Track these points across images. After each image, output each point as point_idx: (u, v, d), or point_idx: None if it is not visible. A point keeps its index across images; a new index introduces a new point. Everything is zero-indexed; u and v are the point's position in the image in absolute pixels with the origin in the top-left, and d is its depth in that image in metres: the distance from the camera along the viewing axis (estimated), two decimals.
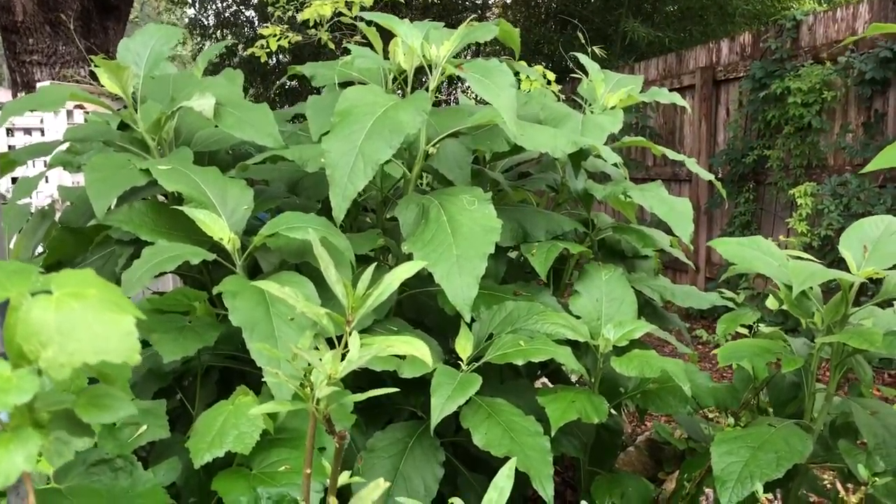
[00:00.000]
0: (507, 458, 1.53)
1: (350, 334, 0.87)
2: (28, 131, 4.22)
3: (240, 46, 10.55)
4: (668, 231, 2.30)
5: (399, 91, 1.96)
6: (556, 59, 9.40)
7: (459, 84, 10.28)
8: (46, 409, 0.51)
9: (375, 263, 1.04)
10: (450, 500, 0.85)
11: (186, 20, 13.71)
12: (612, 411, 2.22)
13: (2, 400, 0.43)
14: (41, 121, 3.78)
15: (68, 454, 0.50)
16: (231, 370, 1.88)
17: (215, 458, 1.29)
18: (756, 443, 1.60)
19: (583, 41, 3.63)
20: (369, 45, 2.14)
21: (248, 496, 1.25)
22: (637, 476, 2.04)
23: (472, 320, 1.81)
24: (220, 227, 1.57)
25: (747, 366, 1.94)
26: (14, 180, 3.63)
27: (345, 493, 0.99)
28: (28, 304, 0.46)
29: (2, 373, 0.45)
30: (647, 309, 2.19)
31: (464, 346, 1.74)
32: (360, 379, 1.71)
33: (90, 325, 0.45)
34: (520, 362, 1.64)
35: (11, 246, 2.16)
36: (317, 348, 0.89)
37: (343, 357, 0.84)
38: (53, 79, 4.96)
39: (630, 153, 7.68)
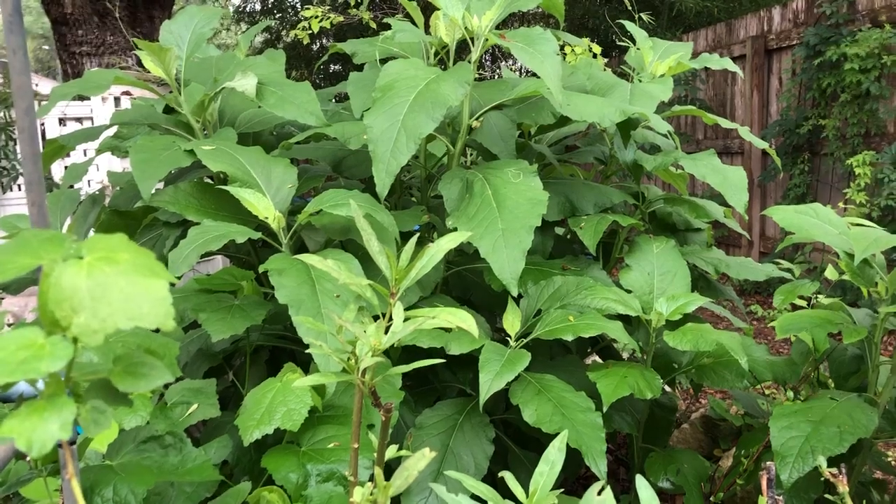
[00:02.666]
0: (557, 435, 1.51)
1: (394, 305, 0.85)
2: (80, 120, 4.31)
3: (283, 32, 10.61)
4: (722, 204, 2.23)
5: (441, 66, 1.93)
6: (601, 34, 9.23)
7: (503, 60, 10.18)
8: (83, 378, 0.50)
9: (417, 235, 1.01)
10: (499, 474, 0.83)
11: (232, 8, 13.84)
12: (666, 387, 2.18)
13: (35, 367, 0.42)
14: (91, 110, 3.84)
15: (105, 423, 0.49)
16: (280, 349, 1.89)
17: (265, 435, 1.29)
18: (817, 417, 1.55)
19: (629, 8, 3.53)
20: (411, 20, 2.11)
21: (297, 473, 1.25)
22: (692, 452, 1.99)
23: (520, 296, 1.78)
24: (266, 206, 1.57)
25: (807, 338, 1.87)
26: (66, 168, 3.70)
27: (394, 469, 0.98)
28: (60, 270, 0.45)
29: (35, 339, 0.44)
30: (700, 282, 2.13)
31: (511, 322, 1.72)
32: (409, 358, 1.70)
33: (122, 289, 0.44)
34: (569, 338, 1.61)
35: (64, 231, 2.20)
36: (362, 321, 0.87)
37: (387, 330, 0.82)
38: (102, 68, 5.05)
39: (679, 126, 7.52)
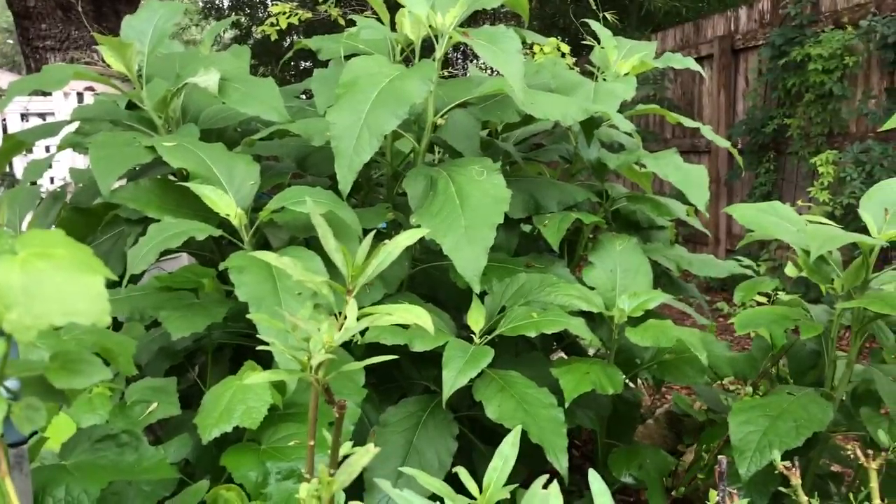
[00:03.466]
0: (523, 432, 1.52)
1: (349, 303, 0.85)
2: (43, 116, 4.23)
3: (253, 28, 10.53)
4: (686, 202, 2.26)
5: (408, 64, 1.93)
6: (571, 33, 9.28)
7: (474, 59, 10.19)
8: (17, 374, 0.49)
9: (375, 231, 1.01)
10: (454, 469, 0.83)
11: (201, 3, 13.70)
12: (630, 384, 2.20)
13: None
14: (54, 106, 3.78)
15: (39, 421, 0.49)
16: (244, 348, 1.88)
17: (224, 433, 1.28)
18: (775, 411, 1.57)
19: (594, 8, 3.56)
20: (378, 18, 2.10)
21: (257, 471, 1.25)
22: (655, 448, 2.01)
23: (484, 293, 1.79)
24: (227, 203, 1.56)
25: (765, 333, 1.90)
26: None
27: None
28: None
29: None
30: (663, 279, 2.15)
31: (476, 318, 1.72)
32: (373, 356, 1.70)
33: (58, 285, 0.44)
34: (532, 334, 1.62)
35: (24, 229, 2.16)
36: (317, 319, 0.87)
37: (342, 327, 0.82)
38: (65, 63, 4.97)
39: (648, 125, 7.58)
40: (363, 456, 0.70)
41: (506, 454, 0.80)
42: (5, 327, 0.43)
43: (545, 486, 0.71)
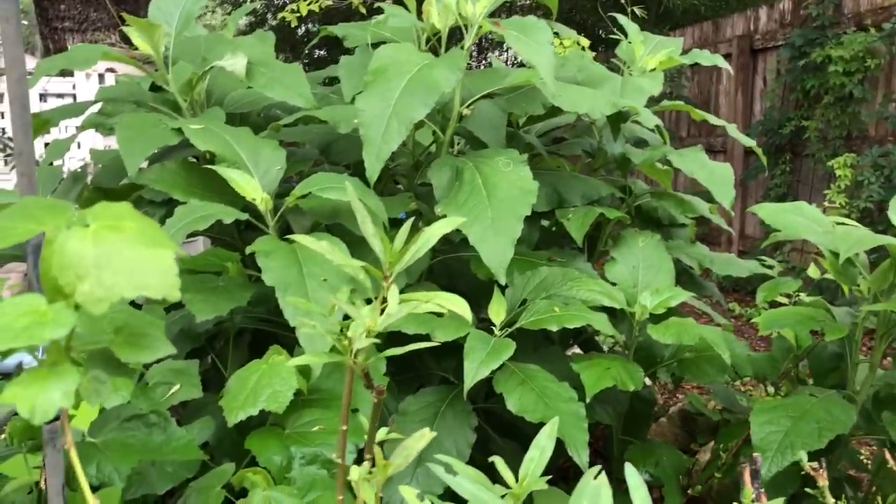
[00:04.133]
0: (540, 424, 1.51)
1: (388, 289, 0.84)
2: (61, 96, 4.24)
3: (269, 15, 10.52)
4: (706, 200, 2.24)
5: (433, 53, 1.92)
6: (588, 28, 9.24)
7: (490, 51, 10.15)
8: (83, 348, 0.49)
9: (413, 219, 1.01)
10: (490, 459, 0.83)
11: None
12: (646, 381, 2.19)
13: (38, 333, 0.41)
14: (73, 86, 3.79)
15: (105, 394, 0.48)
16: (263, 332, 1.88)
17: (248, 417, 1.28)
18: (797, 412, 1.57)
19: (622, 2, 3.54)
20: (403, 5, 2.09)
21: (281, 455, 1.25)
22: (671, 446, 2.01)
23: (505, 285, 1.78)
24: (253, 188, 1.55)
25: (790, 334, 1.90)
26: (46, 145, 3.65)
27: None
28: (64, 237, 0.44)
29: (38, 307, 0.44)
30: (683, 277, 2.14)
31: (497, 311, 1.72)
32: (393, 345, 1.69)
33: (128, 258, 0.43)
34: (554, 328, 1.61)
35: None
36: (354, 304, 0.87)
37: (381, 312, 0.82)
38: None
39: (663, 123, 7.54)
40: (419, 440, 0.69)
41: (542, 445, 0.80)
42: (78, 298, 0.43)
43: (595, 477, 0.71)
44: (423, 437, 0.70)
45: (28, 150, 0.81)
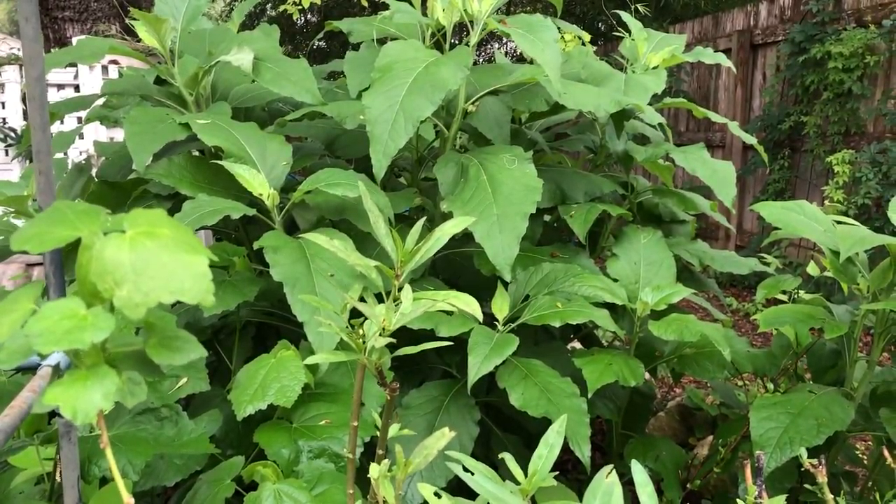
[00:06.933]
0: (542, 419, 1.53)
1: (400, 288, 0.86)
2: (61, 87, 4.23)
3: (269, 6, 10.49)
4: (706, 197, 2.26)
5: (437, 49, 1.93)
6: (587, 21, 9.23)
7: (490, 43, 10.13)
8: (117, 350, 0.51)
9: (424, 219, 1.02)
10: (500, 456, 0.84)
11: None
12: (646, 376, 2.21)
13: (79, 337, 0.43)
14: (75, 76, 3.78)
15: (140, 395, 0.50)
16: (267, 326, 1.89)
17: (257, 410, 1.29)
18: (796, 409, 1.58)
19: None
20: (407, 0, 2.10)
21: (289, 448, 1.26)
22: (670, 441, 2.03)
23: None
24: (260, 183, 1.57)
25: (790, 332, 1.91)
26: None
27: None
28: (102, 243, 0.45)
29: (77, 311, 0.45)
30: (684, 273, 2.16)
31: (500, 306, 1.73)
32: (397, 339, 1.71)
33: (165, 264, 0.45)
34: (557, 324, 1.63)
35: None
36: (363, 300, 0.88)
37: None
38: (86, 35, 4.96)
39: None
40: (439, 439, 0.71)
41: (551, 442, 0.81)
42: (116, 303, 0.44)
43: (606, 475, 0.73)
44: (444, 436, 0.71)
45: (46, 149, 0.82)
